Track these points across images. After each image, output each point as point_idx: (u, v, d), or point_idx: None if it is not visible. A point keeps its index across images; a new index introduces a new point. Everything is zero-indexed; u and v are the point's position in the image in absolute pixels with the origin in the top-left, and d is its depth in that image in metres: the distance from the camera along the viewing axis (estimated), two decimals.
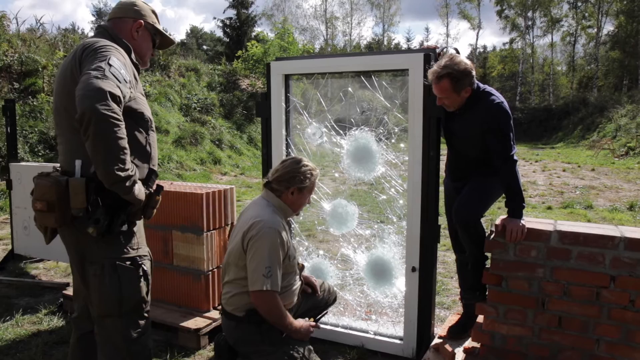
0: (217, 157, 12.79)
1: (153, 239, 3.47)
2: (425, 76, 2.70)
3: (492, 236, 2.58)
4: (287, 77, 3.19)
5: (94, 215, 1.83)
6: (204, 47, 55.59)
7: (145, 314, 2.10)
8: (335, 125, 3.13)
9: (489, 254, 2.61)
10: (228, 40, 38.54)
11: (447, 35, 43.59)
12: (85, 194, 1.81)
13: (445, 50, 2.89)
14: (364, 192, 3.27)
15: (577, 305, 2.44)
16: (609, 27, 36.24)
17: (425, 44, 3.10)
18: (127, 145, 1.76)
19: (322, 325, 2.99)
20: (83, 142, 1.74)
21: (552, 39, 38.93)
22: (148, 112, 2.05)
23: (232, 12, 37.81)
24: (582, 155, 18.08)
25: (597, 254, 2.38)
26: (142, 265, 2.05)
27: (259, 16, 39.61)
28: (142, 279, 2.04)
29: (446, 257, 5.17)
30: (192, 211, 3.32)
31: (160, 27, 2.24)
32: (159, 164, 11.02)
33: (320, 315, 2.83)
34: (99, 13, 52.24)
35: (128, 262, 2.00)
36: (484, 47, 55.26)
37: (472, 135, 2.72)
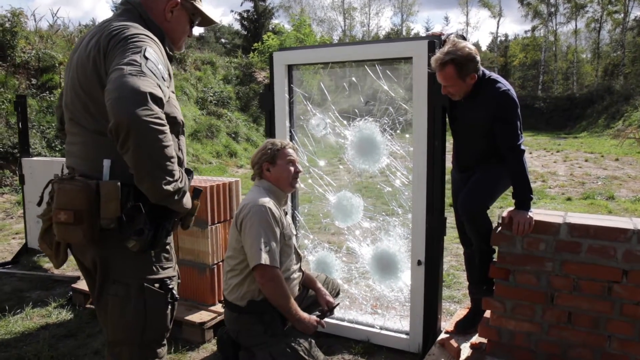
0: (233, 150, 12.83)
1: None
2: (429, 64, 2.61)
3: (498, 229, 2.50)
4: (290, 68, 3.13)
5: (136, 225, 1.51)
6: (222, 40, 55.77)
7: (165, 342, 1.79)
8: (339, 116, 3.06)
9: (496, 247, 2.53)
10: (246, 33, 38.56)
11: (467, 24, 42.90)
12: (120, 201, 1.51)
13: (450, 36, 2.80)
14: (369, 183, 3.19)
15: (587, 300, 2.35)
16: (636, 12, 35.27)
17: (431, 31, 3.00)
18: (174, 153, 1.47)
19: (326, 319, 2.94)
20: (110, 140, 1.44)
21: (576, 25, 37.99)
22: (180, 115, 1.72)
23: (249, 5, 37.84)
24: (606, 145, 17.62)
25: (609, 247, 2.28)
26: (172, 290, 1.71)
27: (276, 8, 39.53)
28: (169, 306, 1.72)
29: (459, 250, 5.06)
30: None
31: (201, 5, 1.82)
32: None
33: (327, 313, 2.78)
34: (117, 8, 52.69)
35: (157, 285, 1.66)
36: (506, 35, 54.29)
37: (477, 124, 2.63)
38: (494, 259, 2.62)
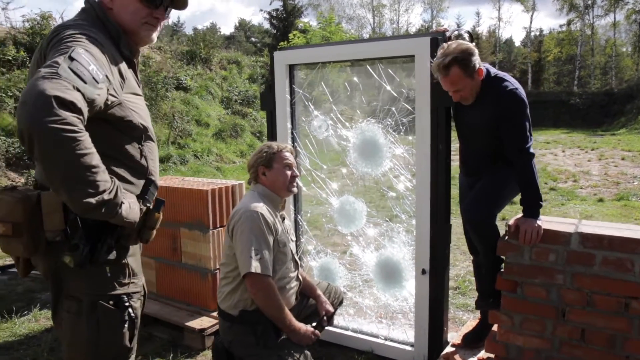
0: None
1: (162, 235, 3.42)
2: (431, 72, 2.46)
3: (505, 237, 2.34)
4: (292, 68, 3.03)
5: (72, 241, 1.43)
6: (252, 39, 56.22)
7: None
8: (341, 117, 2.94)
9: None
10: (275, 31, 38.70)
11: (499, 19, 42.03)
12: (64, 212, 1.42)
13: (456, 33, 2.64)
14: (372, 188, 3.06)
15: (602, 317, 2.17)
16: None
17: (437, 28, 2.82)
18: (94, 161, 1.31)
19: (328, 328, 2.83)
20: None
21: (614, 18, 36.59)
22: (139, 119, 1.58)
23: (278, 4, 38.00)
24: None
25: (625, 259, 2.09)
26: (129, 308, 1.60)
27: (305, 6, 39.52)
28: (126, 325, 1.59)
29: None
30: (197, 208, 3.23)
31: None
32: (198, 156, 11.22)
33: (324, 322, 2.66)
34: None
35: (111, 302, 1.56)
36: (540, 29, 52.84)
37: (484, 125, 2.46)
38: (501, 269, 2.45)
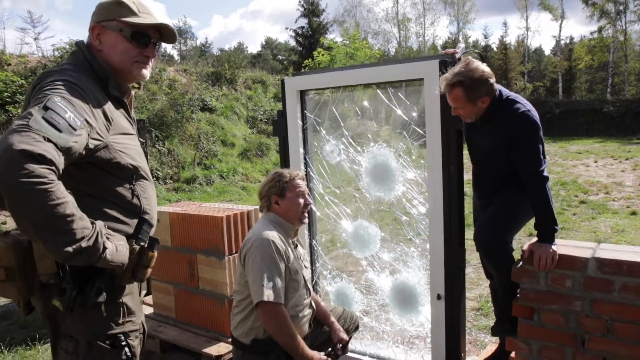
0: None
1: (180, 261, 3.47)
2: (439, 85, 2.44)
3: (519, 263, 2.28)
4: (303, 93, 3.05)
5: (60, 285, 1.45)
6: (279, 57, 56.99)
7: None
8: (352, 142, 2.94)
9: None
10: (301, 49, 39.14)
11: (527, 29, 41.35)
12: None
13: (465, 55, 2.61)
14: (385, 212, 3.03)
15: (624, 345, 2.08)
16: None
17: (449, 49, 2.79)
18: (68, 210, 1.30)
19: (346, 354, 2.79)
20: None
21: None
22: (129, 159, 1.59)
23: (303, 22, 38.48)
24: None
25: None
26: (126, 347, 1.61)
27: (330, 23, 39.88)
28: None
29: None
30: (213, 235, 3.26)
31: (128, 18, 1.61)
32: (224, 177, 11.36)
33: (339, 351, 2.63)
34: (179, 32, 55.17)
35: (108, 342, 1.57)
36: (570, 37, 51.85)
37: (496, 147, 2.42)
38: (518, 294, 2.38)
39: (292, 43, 42.31)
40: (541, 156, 2.29)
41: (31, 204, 1.24)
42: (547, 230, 2.21)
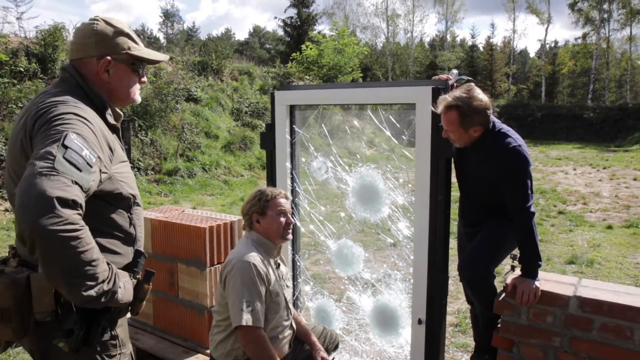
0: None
1: (160, 269, 3.42)
2: (433, 112, 2.43)
3: (502, 295, 2.30)
4: (292, 108, 3.02)
5: (65, 325, 1.41)
6: (267, 45, 56.50)
7: None
8: (340, 160, 2.92)
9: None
10: (289, 39, 38.86)
11: (514, 31, 41.69)
12: (55, 292, 1.41)
13: (460, 81, 2.61)
14: (370, 233, 3.03)
15: None
16: None
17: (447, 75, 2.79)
18: (94, 255, 1.31)
19: None
20: None
21: (631, 32, 36.17)
22: (129, 188, 1.59)
23: (293, 12, 38.16)
24: None
25: (625, 327, 2.04)
26: None
27: (320, 15, 39.65)
28: None
29: None
30: (195, 245, 3.22)
31: (139, 51, 1.66)
32: (206, 169, 11.24)
33: None
34: (166, 14, 54.28)
35: None
36: (555, 42, 52.43)
37: (485, 178, 2.43)
38: (499, 324, 2.41)
39: (280, 33, 42.06)
40: (529, 191, 2.30)
41: (65, 251, 1.24)
42: (531, 266, 2.23)
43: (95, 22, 1.61)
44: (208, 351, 3.23)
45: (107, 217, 1.55)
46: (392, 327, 2.88)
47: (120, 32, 1.62)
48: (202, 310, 3.28)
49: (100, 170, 1.41)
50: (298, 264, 3.15)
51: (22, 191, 1.23)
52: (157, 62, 1.75)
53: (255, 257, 2.37)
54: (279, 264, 2.59)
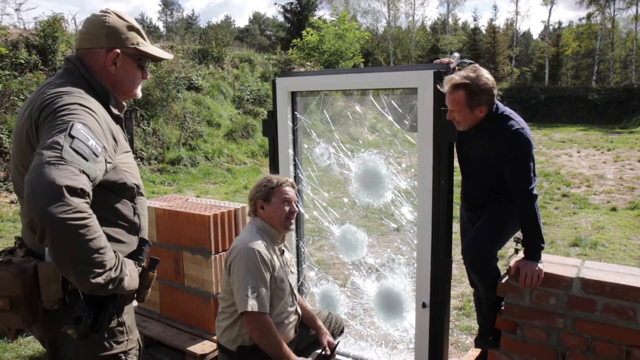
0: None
1: (165, 257, 3.44)
2: (435, 96, 2.43)
3: (505, 278, 2.31)
4: (294, 94, 3.01)
5: (73, 313, 1.44)
6: (267, 32, 56.19)
7: None
8: (342, 146, 2.92)
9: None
10: (289, 25, 38.61)
11: (517, 12, 41.27)
12: (62, 281, 1.45)
13: (462, 64, 2.59)
14: (373, 218, 3.04)
15: None
16: None
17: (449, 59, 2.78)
18: (102, 243, 1.34)
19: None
20: None
21: (637, 11, 35.67)
22: (133, 178, 1.62)
23: None
24: None
25: (627, 307, 2.05)
26: None
27: (320, 0, 39.30)
28: None
29: None
30: (200, 233, 3.23)
31: (146, 48, 1.69)
32: (209, 158, 11.25)
33: (328, 354, 2.66)
34: (165, 3, 53.93)
35: None
36: (559, 23, 51.86)
37: (486, 162, 2.42)
38: (502, 307, 2.42)
39: (281, 19, 41.81)
40: (532, 174, 2.30)
41: (73, 239, 1.26)
42: (534, 248, 2.23)
43: (107, 14, 1.64)
44: (215, 337, 3.27)
45: (112, 206, 1.58)
46: (397, 311, 2.90)
47: (131, 27, 1.66)
48: (208, 297, 3.31)
49: (106, 160, 1.43)
50: (302, 250, 3.17)
51: (31, 180, 1.24)
52: (162, 59, 1.80)
53: (259, 244, 2.38)
54: (283, 251, 2.61)
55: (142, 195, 1.70)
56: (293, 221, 2.53)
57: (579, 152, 14.72)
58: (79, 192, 1.26)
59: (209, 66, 14.61)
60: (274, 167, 3.10)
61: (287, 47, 21.11)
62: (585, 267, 2.25)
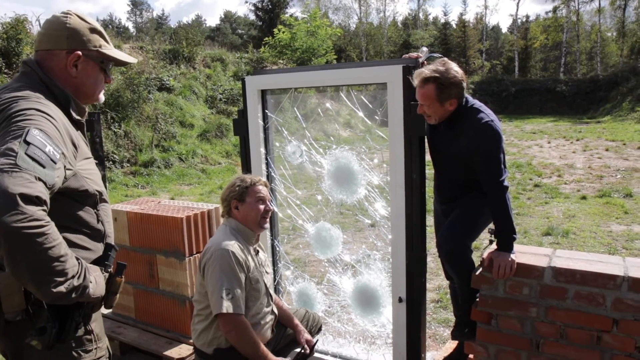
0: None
1: (139, 262, 3.38)
2: (404, 91, 2.43)
3: (479, 270, 2.33)
4: (264, 93, 2.98)
5: (37, 323, 1.39)
6: (239, 31, 55.76)
7: None
8: (314, 143, 2.90)
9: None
10: (261, 23, 38.41)
11: (486, 7, 41.90)
12: (25, 291, 1.38)
13: (431, 58, 2.60)
14: (347, 215, 3.03)
15: (575, 349, 2.18)
16: None
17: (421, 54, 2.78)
18: (62, 250, 1.29)
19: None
20: None
21: (599, 4, 36.60)
22: (94, 185, 1.57)
23: None
24: (629, 131, 17.00)
25: (597, 294, 2.09)
26: None
27: None
28: None
29: None
30: (173, 235, 3.18)
31: (109, 51, 1.65)
32: (183, 159, 11.11)
33: (307, 352, 2.65)
34: (134, 3, 53.03)
35: None
36: (526, 16, 52.77)
37: (457, 155, 2.44)
38: (477, 299, 2.44)
39: (252, 17, 41.54)
40: (502, 166, 2.32)
41: (30, 248, 1.21)
42: (507, 239, 2.26)
43: (69, 15, 1.59)
44: (191, 341, 3.23)
45: (74, 214, 1.53)
46: (374, 307, 2.90)
47: (93, 29, 1.61)
48: (184, 300, 3.26)
49: (65, 166, 1.38)
50: (277, 249, 3.15)
51: None
52: (126, 63, 1.75)
53: (233, 245, 2.36)
54: (257, 251, 2.58)
55: (105, 202, 1.66)
56: (267, 221, 2.51)
57: (549, 142, 15.01)
58: (34, 200, 1.21)
59: (180, 66, 14.43)
60: (246, 167, 3.07)
61: (259, 45, 20.98)
62: (556, 256, 2.28)
